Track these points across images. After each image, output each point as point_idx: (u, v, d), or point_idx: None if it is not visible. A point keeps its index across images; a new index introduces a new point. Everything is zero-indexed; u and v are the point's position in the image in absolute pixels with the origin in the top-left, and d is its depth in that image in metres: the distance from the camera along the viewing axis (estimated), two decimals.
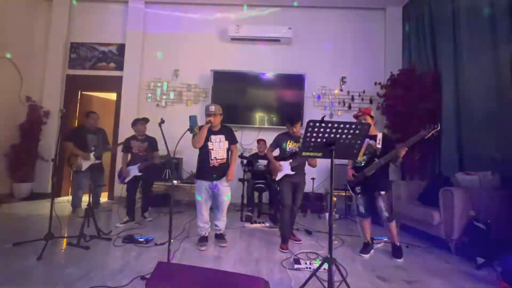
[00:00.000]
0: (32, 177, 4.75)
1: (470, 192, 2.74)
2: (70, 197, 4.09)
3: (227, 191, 2.72)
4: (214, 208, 2.80)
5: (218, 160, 2.66)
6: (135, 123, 3.54)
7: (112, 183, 4.81)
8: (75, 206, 3.75)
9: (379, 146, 2.52)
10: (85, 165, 3.58)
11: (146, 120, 3.56)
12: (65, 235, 2.78)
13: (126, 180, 3.43)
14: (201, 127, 2.58)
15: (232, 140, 2.76)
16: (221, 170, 2.68)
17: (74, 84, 5.07)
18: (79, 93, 5.12)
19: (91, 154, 3.60)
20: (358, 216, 2.74)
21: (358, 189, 2.67)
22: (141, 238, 2.69)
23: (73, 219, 3.51)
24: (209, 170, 2.63)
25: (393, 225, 2.58)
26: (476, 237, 2.55)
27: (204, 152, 2.64)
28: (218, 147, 2.66)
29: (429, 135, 2.30)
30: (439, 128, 2.27)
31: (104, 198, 4.82)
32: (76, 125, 3.92)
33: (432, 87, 3.80)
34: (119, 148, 3.73)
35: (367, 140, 2.57)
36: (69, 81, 5.07)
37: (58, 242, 2.56)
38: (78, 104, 5.10)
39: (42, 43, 5.01)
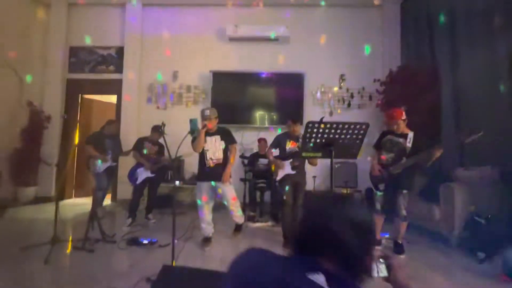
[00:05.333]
0: (35, 181, 4.79)
1: (470, 187, 2.76)
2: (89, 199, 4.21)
3: (229, 189, 2.78)
4: (225, 207, 2.91)
5: (214, 161, 2.72)
6: (154, 130, 3.68)
7: (114, 185, 4.84)
8: (96, 206, 3.84)
9: (409, 144, 2.48)
10: (102, 167, 3.73)
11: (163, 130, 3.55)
12: (70, 239, 2.81)
13: (138, 182, 3.50)
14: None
15: (228, 140, 2.80)
16: (218, 172, 2.71)
17: (75, 88, 5.09)
18: (80, 96, 5.14)
19: (108, 157, 3.78)
20: (374, 213, 2.69)
21: (381, 186, 2.61)
22: (145, 240, 2.72)
23: (79, 221, 3.57)
24: (206, 170, 2.72)
25: (405, 224, 2.59)
26: (477, 232, 2.57)
27: (201, 153, 2.74)
28: (214, 148, 2.73)
29: (470, 140, 2.07)
30: (481, 133, 2.03)
31: (107, 200, 4.86)
32: (95, 131, 4.12)
33: (430, 83, 3.80)
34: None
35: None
36: (70, 85, 5.09)
37: (64, 246, 2.60)
38: (79, 107, 5.12)
39: (41, 47, 5.03)
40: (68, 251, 2.54)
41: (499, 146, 2.85)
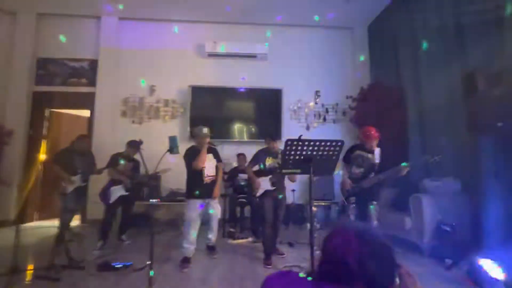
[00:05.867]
0: None
1: (436, 197, 2.97)
2: (55, 222, 3.82)
3: (217, 207, 2.92)
4: (205, 223, 2.93)
5: (209, 177, 2.84)
6: (131, 144, 3.44)
7: (85, 205, 4.51)
8: (63, 229, 3.50)
9: (378, 160, 2.68)
10: (70, 187, 3.42)
11: (139, 146, 3.37)
12: (33, 267, 2.56)
13: (112, 201, 3.28)
14: (192, 149, 2.78)
15: (219, 158, 2.98)
16: (211, 187, 2.85)
17: (42, 101, 4.78)
18: (47, 110, 4.83)
19: (77, 177, 3.45)
20: None
21: (352, 199, 2.76)
22: (118, 264, 2.55)
23: (42, 247, 3.26)
24: (202, 188, 2.77)
25: None
26: (444, 239, 2.75)
27: (197, 171, 2.75)
28: (209, 165, 2.84)
29: (432, 160, 2.50)
30: (441, 156, 2.49)
31: (76, 221, 4.51)
32: (65, 147, 3.75)
33: (397, 99, 4.11)
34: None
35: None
36: (36, 98, 4.77)
37: (24, 276, 2.35)
38: (47, 122, 4.80)
39: (5, 58, 4.70)
40: (28, 279, 2.30)
41: (460, 159, 3.13)
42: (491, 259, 2.15)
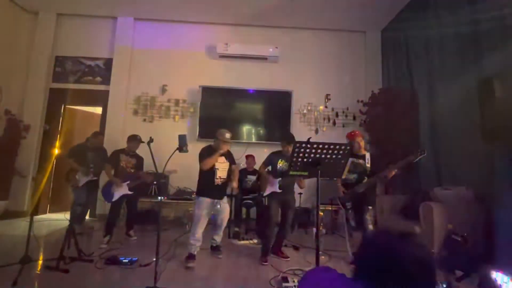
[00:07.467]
0: (6, 195, 4.50)
1: (447, 206, 2.88)
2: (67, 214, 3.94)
3: (227, 208, 2.94)
4: (213, 224, 2.98)
5: (221, 179, 2.85)
6: (131, 139, 3.50)
7: (95, 200, 4.62)
8: (73, 222, 3.60)
9: (369, 165, 2.71)
10: (82, 181, 3.57)
11: (140, 141, 3.41)
12: (43, 258, 2.63)
13: (114, 199, 3.31)
14: (208, 148, 2.81)
15: (232, 161, 2.99)
16: (223, 189, 2.89)
17: (58, 97, 4.95)
18: (63, 107, 4.99)
19: (89, 171, 3.62)
20: (352, 230, 2.86)
21: (348, 204, 2.81)
22: (125, 259, 2.59)
23: (53, 239, 3.36)
24: (213, 188, 2.80)
25: None
26: (454, 250, 2.66)
27: (210, 172, 2.79)
28: (221, 167, 2.86)
29: (417, 159, 2.45)
30: (425, 153, 2.42)
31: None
32: (79, 143, 3.95)
33: (409, 105, 4.04)
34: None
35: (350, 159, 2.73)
36: (53, 95, 4.95)
37: (35, 266, 2.43)
38: (61, 118, 4.96)
39: (25, 55, 4.90)
40: (39, 270, 2.37)
41: (473, 168, 3.03)
42: (505, 273, 2.07)
